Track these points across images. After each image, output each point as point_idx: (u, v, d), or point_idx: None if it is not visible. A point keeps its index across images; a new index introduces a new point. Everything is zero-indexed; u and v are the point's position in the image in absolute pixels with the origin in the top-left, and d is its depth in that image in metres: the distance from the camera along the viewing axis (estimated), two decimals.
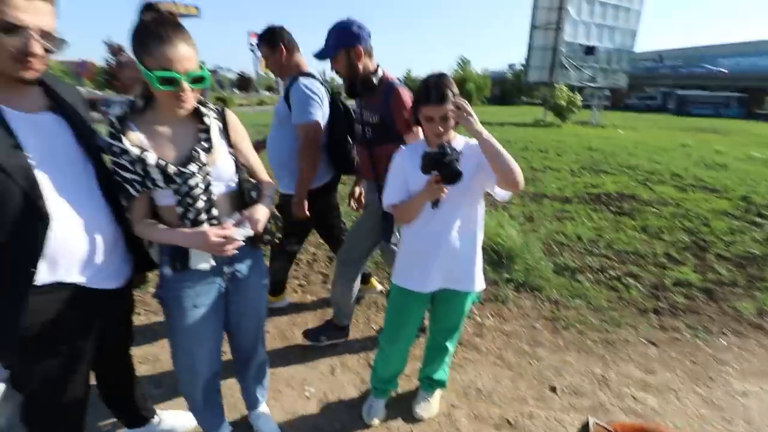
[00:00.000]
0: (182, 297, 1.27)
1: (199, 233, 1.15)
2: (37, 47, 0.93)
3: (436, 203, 1.46)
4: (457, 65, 42.57)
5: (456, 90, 1.41)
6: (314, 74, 2.19)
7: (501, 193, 1.49)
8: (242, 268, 1.38)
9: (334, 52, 1.90)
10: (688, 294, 3.05)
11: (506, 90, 49.71)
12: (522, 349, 2.43)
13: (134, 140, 1.12)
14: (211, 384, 1.49)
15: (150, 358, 2.29)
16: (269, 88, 68.35)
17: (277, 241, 1.44)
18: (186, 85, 1.08)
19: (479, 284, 1.63)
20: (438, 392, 1.98)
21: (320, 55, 1.95)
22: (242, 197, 1.29)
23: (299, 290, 3.11)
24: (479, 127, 1.33)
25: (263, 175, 1.42)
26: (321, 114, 2.09)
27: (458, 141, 1.51)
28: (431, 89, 1.37)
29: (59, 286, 1.06)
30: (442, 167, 1.27)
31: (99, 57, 37.01)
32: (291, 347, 2.42)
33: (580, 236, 4.09)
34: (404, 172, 1.51)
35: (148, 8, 1.06)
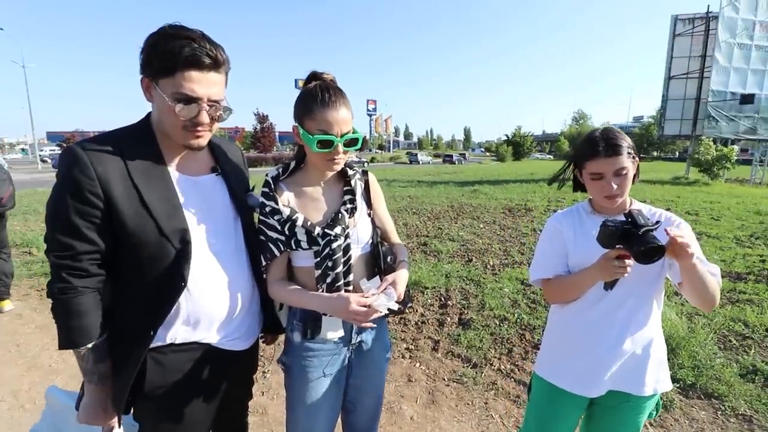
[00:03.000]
0: (308, 367, 1.17)
1: (342, 298, 1.06)
2: (204, 117, 0.96)
3: (611, 284, 1.13)
4: (572, 120, 40.57)
5: (630, 142, 1.16)
6: None
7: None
8: (368, 338, 1.25)
9: None
10: None
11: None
12: None
13: (284, 201, 1.12)
14: None
15: (259, 410, 2.27)
16: (380, 147, 74.40)
17: (407, 310, 1.29)
18: (340, 147, 1.07)
19: (663, 386, 1.22)
20: None
21: None
22: (375, 261, 1.20)
23: (407, 355, 2.87)
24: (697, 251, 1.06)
25: (395, 237, 1.32)
26: None
27: (640, 206, 1.22)
28: (598, 140, 1.15)
29: (195, 345, 1.05)
30: (635, 241, 0.98)
31: (248, 124, 45.04)
32: (400, 424, 2.17)
33: None
34: (563, 240, 1.24)
35: (313, 77, 1.10)
